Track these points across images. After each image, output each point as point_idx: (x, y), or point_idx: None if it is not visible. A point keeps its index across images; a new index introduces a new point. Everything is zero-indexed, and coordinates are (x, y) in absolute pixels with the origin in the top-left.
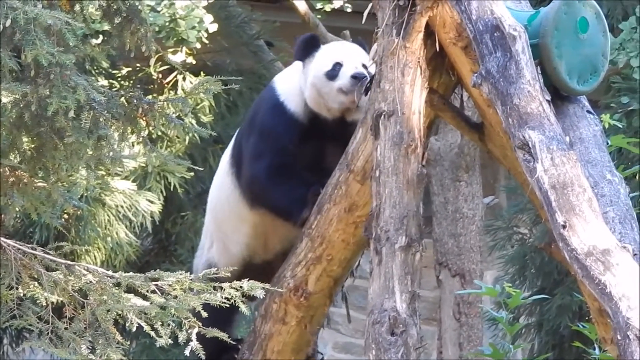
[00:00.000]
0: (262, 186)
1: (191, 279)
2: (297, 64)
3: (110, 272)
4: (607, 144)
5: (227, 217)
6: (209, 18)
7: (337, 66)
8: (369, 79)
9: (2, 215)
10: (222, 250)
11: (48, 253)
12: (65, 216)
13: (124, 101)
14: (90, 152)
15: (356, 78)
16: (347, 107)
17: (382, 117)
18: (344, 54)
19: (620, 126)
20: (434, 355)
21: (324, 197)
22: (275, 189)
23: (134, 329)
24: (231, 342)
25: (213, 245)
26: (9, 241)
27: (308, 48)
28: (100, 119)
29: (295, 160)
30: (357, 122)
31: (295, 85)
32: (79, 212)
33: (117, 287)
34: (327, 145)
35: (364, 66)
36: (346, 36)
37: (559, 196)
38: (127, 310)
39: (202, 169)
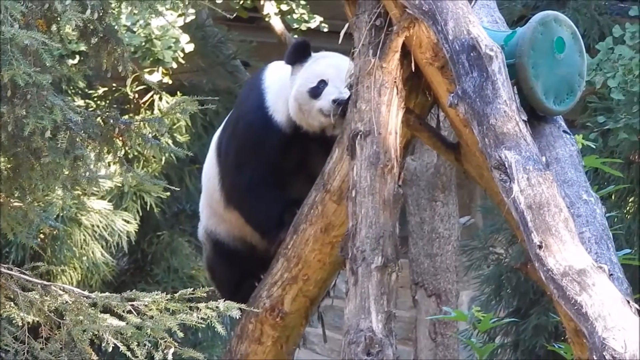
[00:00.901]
0: (241, 198)
1: (167, 299)
2: (287, 67)
3: (86, 292)
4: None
5: (218, 194)
6: (185, 38)
7: (322, 84)
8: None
9: None
10: (223, 223)
11: (24, 273)
12: (42, 236)
13: (101, 121)
14: (67, 172)
15: (337, 102)
16: (325, 126)
17: (359, 137)
18: (331, 72)
19: (594, 146)
20: None
21: (300, 217)
22: (254, 203)
23: (110, 349)
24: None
25: (214, 216)
26: None
27: (299, 54)
28: (77, 139)
29: (277, 171)
30: (337, 135)
31: (283, 92)
32: (55, 232)
33: (93, 308)
34: (310, 150)
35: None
36: None
37: (535, 216)
38: (103, 331)
39: (178, 189)
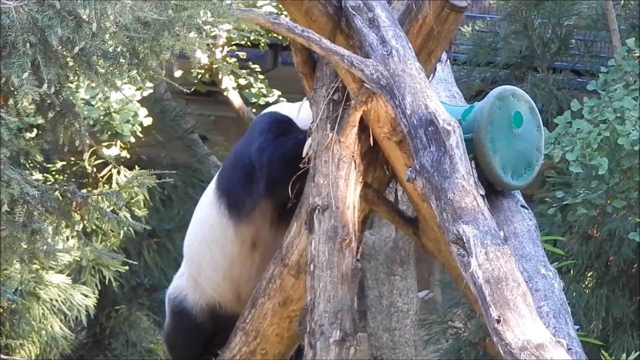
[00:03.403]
0: (272, 150)
1: None
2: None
3: None
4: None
5: (205, 248)
6: (143, 112)
7: None
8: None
9: None
10: (194, 286)
11: None
12: (0, 310)
13: (58, 195)
14: (24, 246)
15: None
16: None
17: (317, 211)
18: None
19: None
20: None
21: (259, 291)
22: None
23: None
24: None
25: (183, 276)
26: None
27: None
28: (34, 213)
29: None
30: None
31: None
32: (13, 306)
33: None
34: None
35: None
36: None
37: (493, 291)
38: None
39: (136, 262)
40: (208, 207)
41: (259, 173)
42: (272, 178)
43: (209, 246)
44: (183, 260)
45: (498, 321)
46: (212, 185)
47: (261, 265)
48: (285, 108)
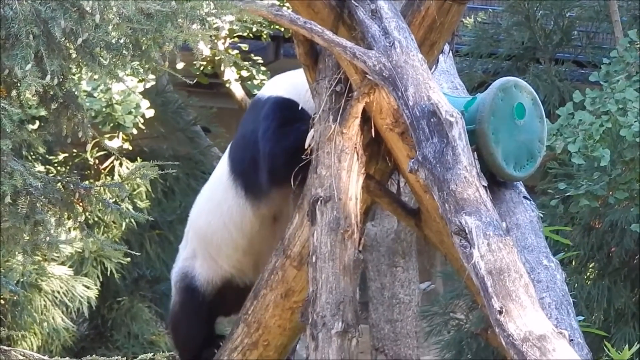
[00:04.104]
0: (275, 141)
1: None
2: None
3: (46, 358)
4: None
5: (222, 229)
6: (145, 103)
7: None
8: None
9: None
10: (209, 264)
11: None
12: (2, 301)
13: (61, 187)
14: (27, 238)
15: None
16: None
17: (319, 202)
18: None
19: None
20: None
21: (261, 282)
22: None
23: None
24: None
25: (196, 257)
26: None
27: None
28: (37, 205)
29: None
30: None
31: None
32: (15, 298)
33: None
34: None
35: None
36: None
37: (496, 282)
38: None
39: (138, 254)
40: (223, 190)
41: (262, 163)
42: (274, 170)
43: (226, 227)
44: (186, 241)
45: (500, 312)
46: (224, 167)
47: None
48: (291, 80)
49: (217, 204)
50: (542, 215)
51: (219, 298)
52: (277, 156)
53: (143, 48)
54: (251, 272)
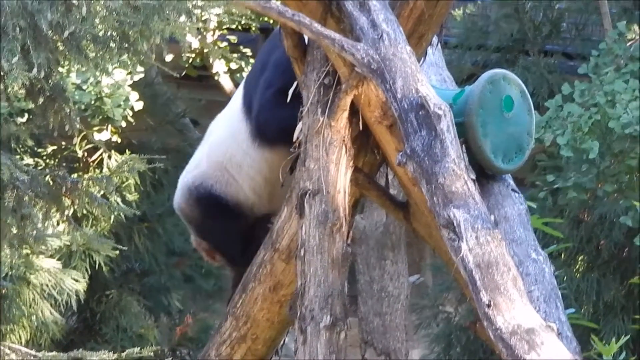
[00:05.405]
0: (269, 109)
1: (115, 359)
2: None
3: (33, 352)
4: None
5: (242, 154)
6: (134, 96)
7: None
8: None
9: None
10: (228, 180)
11: None
12: None
13: (49, 180)
14: (14, 231)
15: None
16: None
17: (307, 195)
18: None
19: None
20: None
21: (249, 275)
22: (281, 110)
23: None
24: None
25: (211, 174)
26: None
27: None
28: (24, 198)
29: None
30: None
31: None
32: (3, 291)
33: None
34: None
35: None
36: None
37: (484, 275)
38: None
39: (127, 247)
40: (238, 121)
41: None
42: (264, 135)
43: (246, 154)
44: (200, 152)
45: (488, 305)
46: (239, 97)
47: None
48: None
49: (232, 134)
50: (532, 207)
51: (238, 212)
52: (269, 125)
53: (130, 41)
54: (267, 202)
